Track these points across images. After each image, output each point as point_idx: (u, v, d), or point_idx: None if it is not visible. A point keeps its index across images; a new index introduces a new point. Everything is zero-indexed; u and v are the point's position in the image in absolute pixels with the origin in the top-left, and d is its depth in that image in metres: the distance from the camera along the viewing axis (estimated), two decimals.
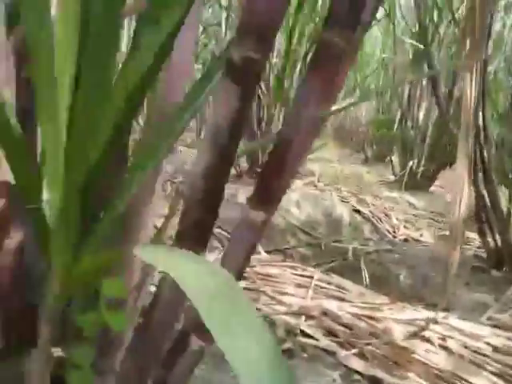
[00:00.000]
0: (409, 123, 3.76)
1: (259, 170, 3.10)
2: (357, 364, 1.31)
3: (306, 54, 2.89)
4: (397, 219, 3.14)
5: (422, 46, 3.01)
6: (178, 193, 0.81)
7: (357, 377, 1.24)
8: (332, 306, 1.65)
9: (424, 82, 3.56)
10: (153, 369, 0.57)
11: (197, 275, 0.26)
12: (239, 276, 0.58)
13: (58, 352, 0.67)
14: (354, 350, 1.40)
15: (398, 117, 3.90)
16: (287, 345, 1.36)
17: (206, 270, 0.27)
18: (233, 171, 3.27)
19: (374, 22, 3.62)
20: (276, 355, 0.23)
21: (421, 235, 2.99)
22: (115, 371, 0.85)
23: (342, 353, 1.37)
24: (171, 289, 0.51)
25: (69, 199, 0.56)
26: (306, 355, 1.33)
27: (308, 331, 1.49)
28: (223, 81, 0.44)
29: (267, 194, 0.51)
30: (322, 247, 2.64)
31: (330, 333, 1.52)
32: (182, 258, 0.27)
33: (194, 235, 0.48)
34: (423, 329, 1.42)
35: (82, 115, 0.43)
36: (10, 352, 0.71)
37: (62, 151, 0.58)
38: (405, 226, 3.08)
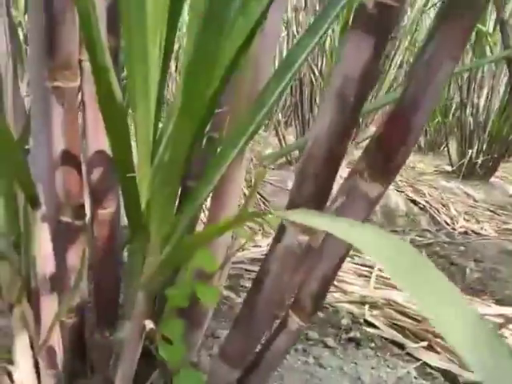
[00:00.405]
0: (468, 110, 3.57)
1: None
2: (428, 357, 1.25)
3: None
4: (455, 210, 3.00)
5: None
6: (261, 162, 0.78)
7: (430, 370, 1.19)
8: (397, 296, 1.59)
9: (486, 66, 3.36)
10: (254, 347, 0.55)
11: (385, 247, 0.23)
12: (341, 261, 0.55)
13: (149, 324, 0.67)
14: (423, 343, 1.34)
15: (456, 103, 3.72)
16: (353, 333, 1.32)
17: (388, 242, 0.24)
18: (283, 158, 3.24)
19: None
20: (487, 330, 0.20)
21: (482, 228, 2.84)
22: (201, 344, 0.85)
23: (411, 345, 1.32)
24: (280, 265, 0.49)
25: (172, 163, 0.55)
26: (373, 345, 1.29)
27: (373, 321, 1.44)
28: (353, 31, 0.41)
29: (386, 163, 0.47)
30: None
31: (396, 324, 1.47)
32: (359, 228, 0.24)
33: (314, 199, 0.45)
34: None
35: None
36: (102, 323, 0.72)
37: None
38: (464, 218, 2.94)
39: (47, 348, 0.73)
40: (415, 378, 1.11)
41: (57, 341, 0.73)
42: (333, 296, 1.57)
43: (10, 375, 0.72)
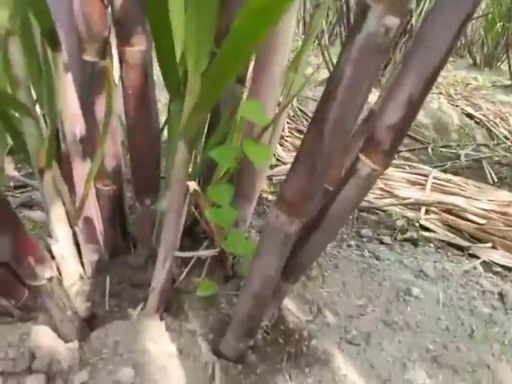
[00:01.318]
0: None
1: None
2: (493, 255, 1.15)
3: None
4: None
5: None
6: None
7: (496, 269, 1.09)
8: (455, 200, 1.47)
9: None
10: (317, 191, 0.45)
11: None
12: None
13: (193, 186, 0.59)
14: (487, 244, 1.23)
15: None
16: (409, 234, 1.23)
17: None
18: (326, 72, 3.02)
19: None
20: None
21: None
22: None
23: (473, 246, 1.21)
24: (356, 68, 0.37)
25: None
26: (432, 245, 1.19)
27: (429, 225, 1.34)
28: None
29: None
30: (430, 152, 2.39)
31: (453, 227, 1.36)
32: None
33: None
34: None
35: None
36: (142, 191, 0.65)
37: None
38: None
39: (85, 220, 0.67)
40: (482, 272, 1.00)
41: (95, 212, 0.67)
42: (384, 202, 1.46)
43: (50, 250, 0.67)
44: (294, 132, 2.34)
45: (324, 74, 3.10)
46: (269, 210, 1.25)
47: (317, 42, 2.76)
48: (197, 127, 0.50)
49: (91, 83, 0.56)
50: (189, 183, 0.58)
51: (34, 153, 0.61)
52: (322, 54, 2.61)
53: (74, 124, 0.60)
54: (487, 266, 1.10)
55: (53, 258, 0.68)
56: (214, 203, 0.61)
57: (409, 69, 0.42)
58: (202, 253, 0.66)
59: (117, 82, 0.60)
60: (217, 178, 0.69)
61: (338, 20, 3.04)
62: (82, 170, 0.63)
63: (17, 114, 0.59)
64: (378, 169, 0.47)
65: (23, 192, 1.28)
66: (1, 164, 0.68)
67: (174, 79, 0.60)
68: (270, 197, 1.43)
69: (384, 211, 1.40)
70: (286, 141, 2.18)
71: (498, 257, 1.15)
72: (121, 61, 0.54)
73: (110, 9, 0.54)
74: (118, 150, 0.62)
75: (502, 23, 3.78)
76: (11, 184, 1.32)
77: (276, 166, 1.82)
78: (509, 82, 3.59)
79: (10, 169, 1.37)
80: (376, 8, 0.34)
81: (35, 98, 0.61)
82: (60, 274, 0.66)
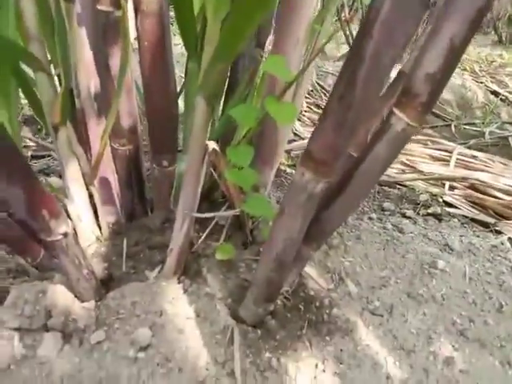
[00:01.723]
0: None
1: None
2: None
3: None
4: None
5: None
6: None
7: None
8: (480, 176, 1.41)
9: None
10: (345, 147, 0.42)
11: None
12: None
13: (212, 145, 0.56)
14: None
15: None
16: (432, 209, 1.19)
17: None
18: (346, 47, 2.93)
19: None
20: None
21: None
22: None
23: (499, 222, 1.17)
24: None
25: None
26: (456, 220, 1.15)
27: (453, 201, 1.29)
28: None
29: None
30: (453, 129, 2.32)
31: (478, 204, 1.31)
32: None
33: None
34: None
35: None
36: (160, 152, 0.62)
37: None
38: None
39: (101, 180, 0.65)
40: (510, 248, 0.96)
41: (111, 173, 0.65)
42: (407, 177, 1.42)
43: (66, 210, 0.66)
44: (312, 107, 2.29)
45: (344, 49, 3.01)
46: (292, 173, 1.23)
47: (336, 16, 2.67)
48: (216, 81, 0.47)
49: (105, 34, 0.53)
50: (208, 143, 0.56)
51: (49, 108, 0.59)
52: (342, 27, 2.52)
53: (88, 78, 0.57)
54: None
55: (69, 218, 0.66)
56: (233, 165, 0.58)
57: (451, 10, 0.38)
58: (222, 213, 0.64)
59: (132, 33, 0.57)
60: (237, 139, 0.66)
61: None
62: (97, 127, 0.61)
63: (30, 70, 0.57)
64: (414, 124, 0.44)
65: (41, 160, 1.27)
66: (14, 115, 0.66)
67: (191, 34, 0.57)
68: (288, 170, 1.40)
69: (406, 186, 1.36)
70: (303, 115, 2.13)
71: None
72: (136, 10, 0.51)
73: None
74: (133, 107, 0.59)
75: None
76: (28, 153, 1.32)
77: (293, 140, 1.78)
78: None
79: (27, 138, 1.36)
80: None
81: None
82: (76, 234, 0.65)
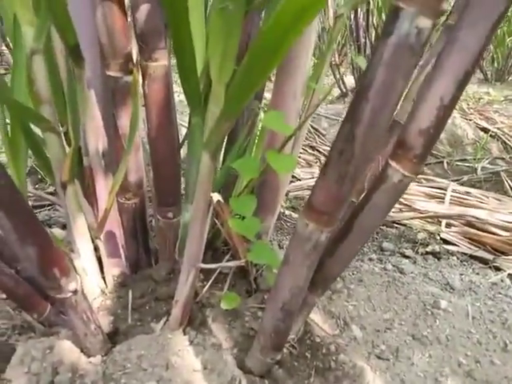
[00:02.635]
0: None
1: None
2: None
3: None
4: None
5: None
6: None
7: None
8: (476, 213, 1.44)
9: None
10: (347, 199, 0.44)
11: None
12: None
13: (217, 197, 0.58)
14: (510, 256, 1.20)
15: None
16: (431, 248, 1.20)
17: None
18: (337, 90, 3.04)
19: None
20: None
21: None
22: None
23: (498, 258, 1.18)
24: (389, 71, 0.37)
25: None
26: (454, 258, 1.16)
27: (450, 238, 1.31)
28: None
29: None
30: (445, 166, 2.37)
31: (475, 240, 1.33)
32: None
33: None
34: None
35: None
36: (165, 204, 0.64)
37: None
38: None
39: (107, 234, 0.67)
40: (510, 285, 0.97)
41: (117, 226, 0.67)
42: (404, 216, 1.44)
43: (72, 264, 0.67)
44: (307, 149, 2.35)
45: (335, 92, 3.11)
46: (290, 224, 1.25)
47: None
48: (221, 138, 0.49)
49: (114, 97, 0.56)
50: (212, 195, 0.58)
51: (57, 167, 0.61)
52: (333, 71, 2.63)
53: (96, 137, 0.60)
54: None
55: (75, 272, 0.67)
56: (236, 214, 0.60)
57: (440, 71, 0.41)
58: (227, 264, 0.65)
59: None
60: (238, 189, 0.69)
61: (347, 40, 3.07)
62: (104, 183, 0.63)
63: (39, 130, 0.60)
64: (409, 175, 0.46)
65: (42, 211, 1.29)
66: (24, 175, 0.68)
67: (195, 92, 0.61)
68: (287, 212, 1.42)
69: (404, 225, 1.38)
70: (299, 157, 2.19)
71: None
72: (143, 75, 0.55)
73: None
74: (140, 163, 0.62)
75: (511, 38, 3.79)
76: (30, 204, 1.33)
77: (291, 182, 1.81)
78: None
79: (30, 188, 1.38)
80: (408, 10, 0.34)
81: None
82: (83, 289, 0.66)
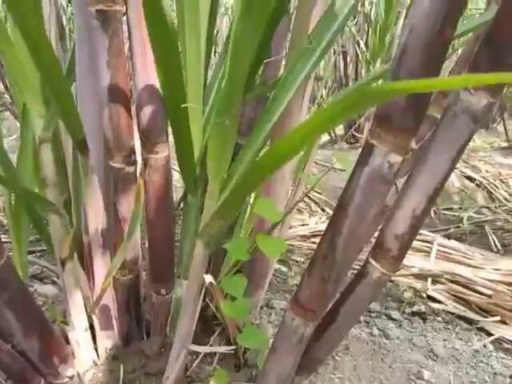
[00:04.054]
0: None
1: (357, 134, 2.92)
2: (503, 331, 1.14)
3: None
4: None
5: None
6: None
7: (507, 345, 1.08)
8: (461, 270, 1.47)
9: None
10: (332, 296, 0.48)
11: None
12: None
13: (209, 279, 0.61)
14: (495, 318, 1.23)
15: None
16: (416, 307, 1.23)
17: None
18: (327, 136, 3.12)
19: None
20: None
21: None
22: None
23: (482, 319, 1.21)
24: (365, 195, 0.41)
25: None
26: (440, 319, 1.18)
27: (437, 296, 1.34)
28: None
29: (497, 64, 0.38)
30: (432, 214, 2.43)
31: (462, 298, 1.36)
32: None
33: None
34: None
35: None
36: (158, 281, 0.67)
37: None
38: None
39: (101, 307, 0.69)
40: (492, 351, 1.00)
41: (111, 300, 0.69)
42: None
43: (65, 336, 0.68)
44: None
45: (325, 137, 3.20)
46: (279, 280, 1.26)
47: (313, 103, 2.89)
48: (215, 231, 0.53)
49: (116, 185, 0.60)
50: (205, 276, 0.61)
51: (58, 245, 0.64)
52: None
53: (97, 219, 0.63)
54: (497, 341, 1.09)
55: (67, 343, 0.69)
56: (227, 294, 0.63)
57: (413, 187, 0.46)
58: (217, 349, 0.67)
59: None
60: (227, 267, 0.72)
61: (335, 89, 3.19)
62: (102, 260, 0.66)
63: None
64: (387, 273, 0.50)
65: (33, 263, 1.30)
66: (25, 250, 0.71)
67: (191, 176, 0.64)
68: (277, 265, 1.44)
69: (391, 281, 1.41)
70: None
71: (508, 332, 1.14)
72: (145, 165, 0.59)
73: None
74: (137, 242, 0.65)
75: None
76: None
77: None
78: (506, 144, 3.69)
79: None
80: (381, 148, 0.39)
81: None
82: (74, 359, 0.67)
